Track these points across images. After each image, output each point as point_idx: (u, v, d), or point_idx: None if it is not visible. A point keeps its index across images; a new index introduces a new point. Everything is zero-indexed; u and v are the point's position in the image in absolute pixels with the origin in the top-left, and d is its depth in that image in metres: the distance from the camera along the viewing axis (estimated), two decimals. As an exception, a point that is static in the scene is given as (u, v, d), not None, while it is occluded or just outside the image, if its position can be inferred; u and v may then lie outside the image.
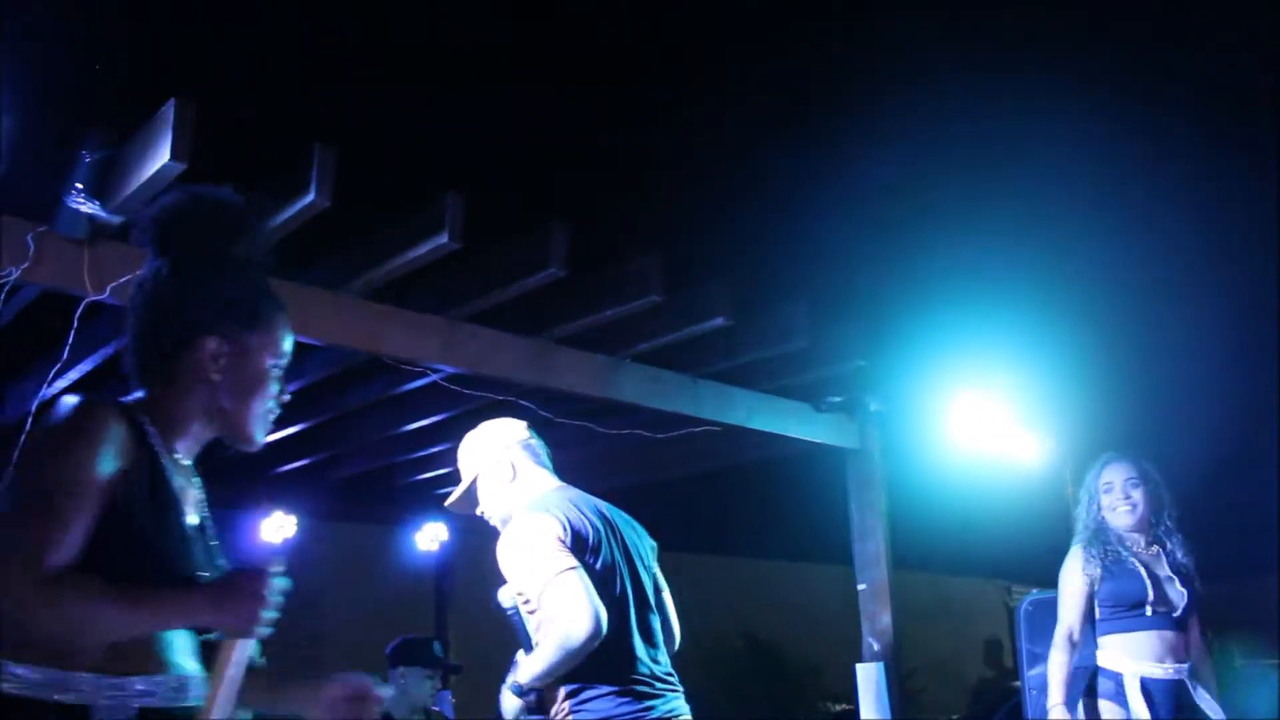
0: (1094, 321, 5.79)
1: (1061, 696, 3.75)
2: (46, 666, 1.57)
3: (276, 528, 7.20)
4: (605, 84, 3.93)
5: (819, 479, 6.50)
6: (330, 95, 3.59)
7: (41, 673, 1.57)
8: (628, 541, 2.96)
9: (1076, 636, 3.83)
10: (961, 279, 4.86)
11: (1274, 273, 5.61)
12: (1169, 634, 3.71)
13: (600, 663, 2.69)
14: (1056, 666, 3.82)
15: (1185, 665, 3.70)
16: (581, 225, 4.10)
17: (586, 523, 2.86)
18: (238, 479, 6.93)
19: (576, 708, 2.73)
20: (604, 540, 2.86)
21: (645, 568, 2.98)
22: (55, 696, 1.57)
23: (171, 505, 1.73)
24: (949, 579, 13.04)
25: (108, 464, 1.64)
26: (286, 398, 1.92)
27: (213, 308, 1.82)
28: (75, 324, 3.72)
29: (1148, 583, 3.72)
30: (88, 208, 3.47)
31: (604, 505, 3.02)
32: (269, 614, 1.67)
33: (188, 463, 1.85)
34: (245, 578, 1.67)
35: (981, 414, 5.54)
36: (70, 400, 1.71)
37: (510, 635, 2.92)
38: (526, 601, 2.81)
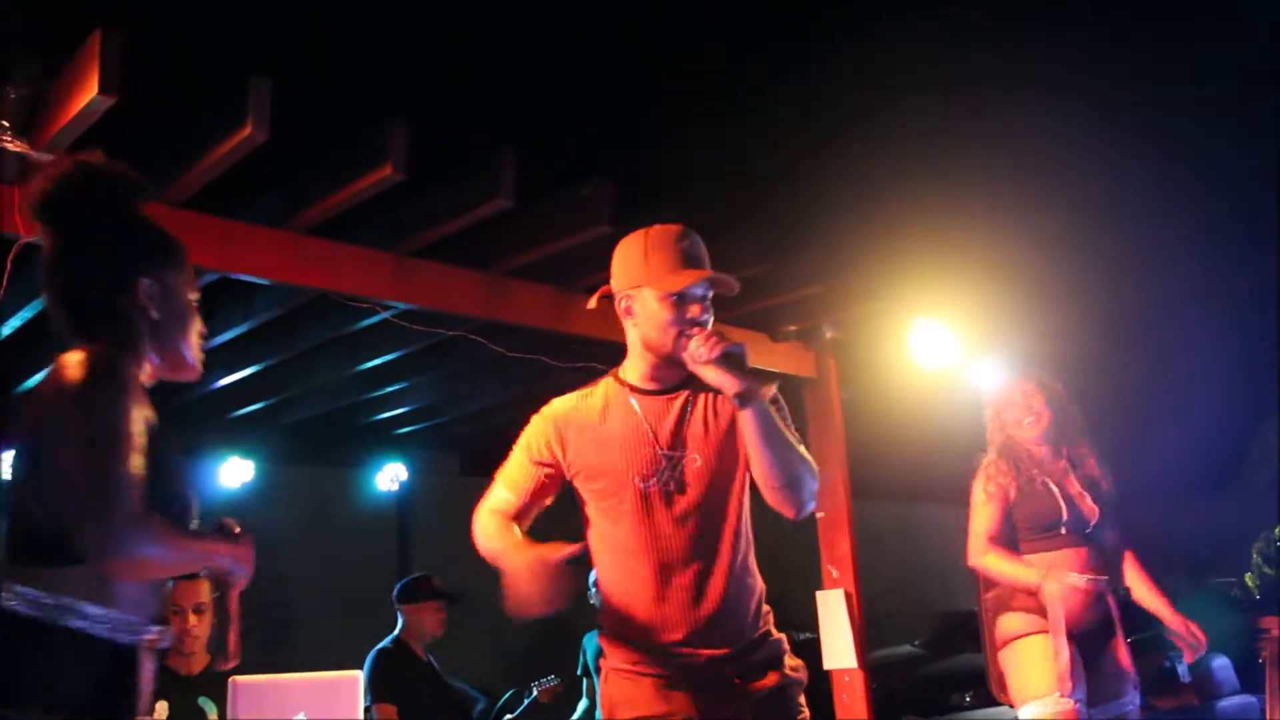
0: (1054, 245, 5.77)
1: (1034, 574, 3.53)
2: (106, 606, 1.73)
3: (234, 473, 7.13)
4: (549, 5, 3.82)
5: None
6: (265, 21, 3.46)
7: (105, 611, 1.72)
8: None
9: (999, 536, 3.66)
10: (920, 203, 4.81)
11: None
12: (1084, 550, 3.60)
13: None
14: (999, 561, 3.62)
15: (1104, 579, 3.60)
16: (531, 154, 4.02)
17: None
18: (194, 425, 6.85)
19: None
20: None
21: None
22: (127, 638, 1.74)
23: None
24: (909, 505, 13.17)
25: (139, 412, 1.79)
26: (204, 331, 2.09)
27: (135, 254, 1.98)
28: (9, 267, 3.60)
29: (1061, 503, 3.61)
30: (16, 147, 3.36)
31: None
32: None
33: None
34: (239, 532, 1.94)
35: (940, 340, 5.53)
36: (78, 356, 1.82)
37: (480, 570, 2.65)
38: None
